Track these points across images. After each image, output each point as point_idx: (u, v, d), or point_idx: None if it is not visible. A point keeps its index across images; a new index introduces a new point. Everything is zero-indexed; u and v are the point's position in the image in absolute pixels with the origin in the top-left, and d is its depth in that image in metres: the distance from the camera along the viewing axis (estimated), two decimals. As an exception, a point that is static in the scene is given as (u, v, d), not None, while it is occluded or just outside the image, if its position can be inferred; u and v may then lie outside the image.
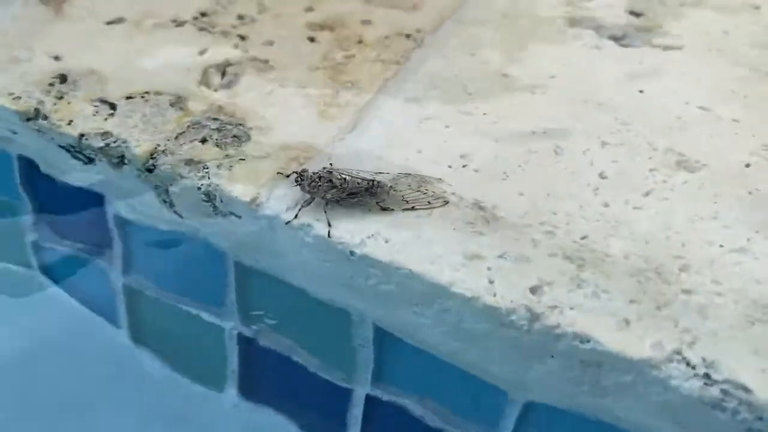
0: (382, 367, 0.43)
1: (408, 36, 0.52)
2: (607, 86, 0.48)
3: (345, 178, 0.40)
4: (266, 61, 0.50)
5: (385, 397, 0.44)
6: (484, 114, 0.46)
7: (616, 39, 0.52)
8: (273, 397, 0.49)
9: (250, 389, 0.49)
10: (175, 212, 0.43)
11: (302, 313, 0.44)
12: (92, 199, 0.48)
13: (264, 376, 0.49)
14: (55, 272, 0.54)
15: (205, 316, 0.48)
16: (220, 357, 0.48)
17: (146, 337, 0.51)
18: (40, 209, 0.53)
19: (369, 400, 0.44)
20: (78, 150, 0.46)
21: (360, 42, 0.52)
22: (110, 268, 0.50)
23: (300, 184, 0.40)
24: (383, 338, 0.41)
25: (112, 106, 0.46)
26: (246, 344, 0.48)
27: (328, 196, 0.40)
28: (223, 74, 0.49)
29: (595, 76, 0.49)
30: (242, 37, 0.53)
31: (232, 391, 0.49)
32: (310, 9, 0.55)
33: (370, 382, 0.44)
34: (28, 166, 0.50)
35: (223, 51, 0.51)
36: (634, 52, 0.51)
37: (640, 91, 0.48)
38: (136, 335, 0.52)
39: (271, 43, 0.52)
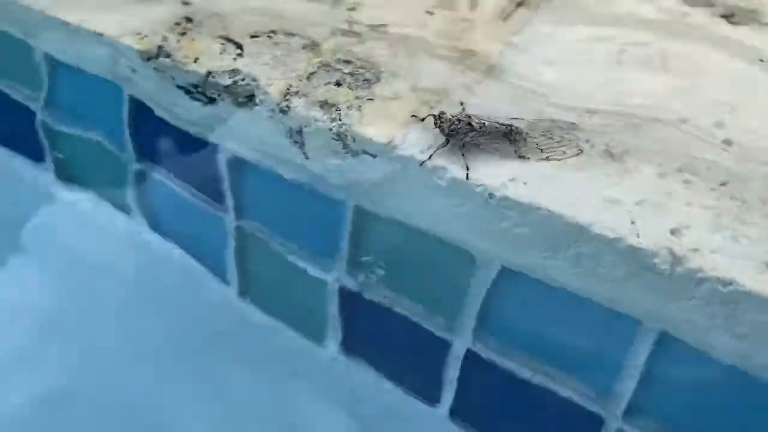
0: (491, 312, 0.43)
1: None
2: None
3: (484, 123, 0.41)
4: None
5: (486, 355, 0.45)
6: (608, 75, 0.47)
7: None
8: (371, 351, 0.50)
9: (350, 343, 0.50)
10: (303, 153, 0.44)
11: (418, 257, 0.44)
12: (203, 142, 0.49)
13: (365, 330, 0.50)
14: (159, 220, 0.56)
15: (311, 268, 0.49)
16: (322, 309, 0.49)
17: (253, 290, 0.53)
18: (146, 153, 0.54)
19: (469, 355, 0.45)
20: (201, 90, 0.47)
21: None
22: (224, 212, 0.51)
23: (440, 126, 0.40)
24: (501, 279, 0.42)
25: (239, 45, 0.47)
26: (349, 298, 0.49)
27: (467, 138, 0.40)
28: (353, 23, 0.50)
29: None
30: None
31: (332, 345, 0.51)
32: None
33: (474, 330, 0.44)
34: (139, 108, 0.52)
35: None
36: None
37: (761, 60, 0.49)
38: (243, 288, 0.53)
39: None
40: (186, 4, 0.52)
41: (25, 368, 0.51)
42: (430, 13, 0.52)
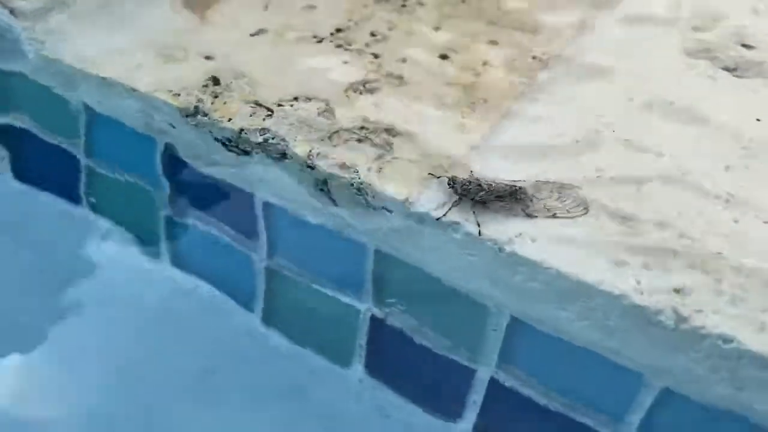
0: (510, 350, 0.46)
1: (534, 57, 0.56)
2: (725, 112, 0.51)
3: (491, 184, 0.44)
4: (401, 77, 0.54)
5: (508, 382, 0.47)
6: (614, 131, 0.49)
7: (729, 70, 0.56)
8: (395, 374, 0.52)
9: (374, 366, 0.53)
10: (331, 199, 0.47)
11: (436, 300, 0.47)
12: (237, 189, 0.52)
13: (389, 355, 0.52)
14: (186, 257, 0.59)
15: (342, 297, 0.51)
16: (351, 337, 0.52)
17: (278, 319, 0.55)
18: (178, 198, 0.57)
19: (492, 382, 0.47)
20: (235, 144, 0.50)
21: (485, 64, 0.56)
22: (254, 251, 0.54)
23: (453, 187, 0.44)
24: (514, 325, 0.44)
25: (268, 109, 0.51)
26: (375, 324, 0.51)
27: (477, 198, 0.43)
28: (365, 86, 0.53)
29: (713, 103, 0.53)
30: (376, 55, 0.57)
31: (358, 368, 0.53)
32: (437, 28, 0.59)
33: (496, 364, 0.47)
34: (172, 157, 0.55)
35: (361, 64, 0.55)
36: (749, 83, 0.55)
37: (758, 120, 0.51)
38: (268, 317, 0.56)
39: (404, 60, 0.56)
40: (209, 59, 0.56)
41: (49, 396, 0.54)
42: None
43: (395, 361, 0.51)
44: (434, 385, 0.50)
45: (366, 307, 0.51)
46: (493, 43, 0.58)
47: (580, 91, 0.54)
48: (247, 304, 0.57)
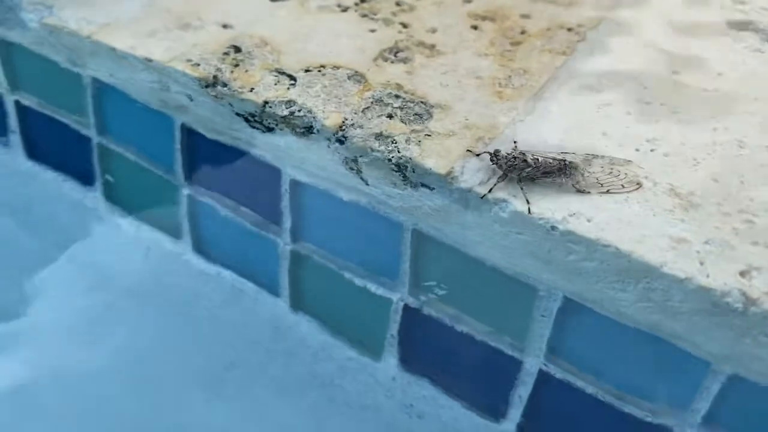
0: (560, 337, 0.43)
1: (570, 29, 0.53)
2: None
3: (537, 158, 0.41)
4: (433, 46, 0.51)
5: (558, 374, 0.44)
6: (662, 104, 0.47)
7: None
8: (431, 367, 0.49)
9: (409, 359, 0.50)
10: (362, 179, 0.44)
11: (478, 283, 0.44)
12: (263, 166, 0.49)
13: (425, 346, 0.49)
14: (207, 242, 0.56)
15: (371, 284, 0.48)
16: (383, 326, 0.49)
17: (306, 304, 0.52)
18: (199, 178, 0.54)
19: (540, 373, 0.44)
20: (258, 119, 0.46)
21: (523, 32, 0.53)
22: (278, 234, 0.51)
23: (496, 163, 0.41)
24: (566, 309, 0.42)
25: (292, 77, 0.47)
26: (410, 315, 0.48)
27: (524, 174, 0.40)
28: (396, 54, 0.50)
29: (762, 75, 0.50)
30: (404, 25, 0.54)
31: (390, 361, 0.50)
32: (468, 0, 0.56)
33: (544, 354, 0.44)
34: (190, 135, 0.52)
35: (390, 33, 0.52)
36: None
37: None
38: (295, 302, 0.52)
39: (434, 30, 0.53)
40: (226, 27, 0.52)
41: (67, 383, 0.51)
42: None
43: (431, 353, 0.48)
44: (475, 377, 0.47)
45: (398, 296, 0.48)
46: (526, 15, 0.55)
47: (623, 61, 0.51)
48: (274, 293, 0.53)
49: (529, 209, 0.39)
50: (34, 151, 0.63)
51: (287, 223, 0.50)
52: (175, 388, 0.50)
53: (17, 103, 0.61)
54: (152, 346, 0.52)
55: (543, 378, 0.44)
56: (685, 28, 0.55)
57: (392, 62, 0.49)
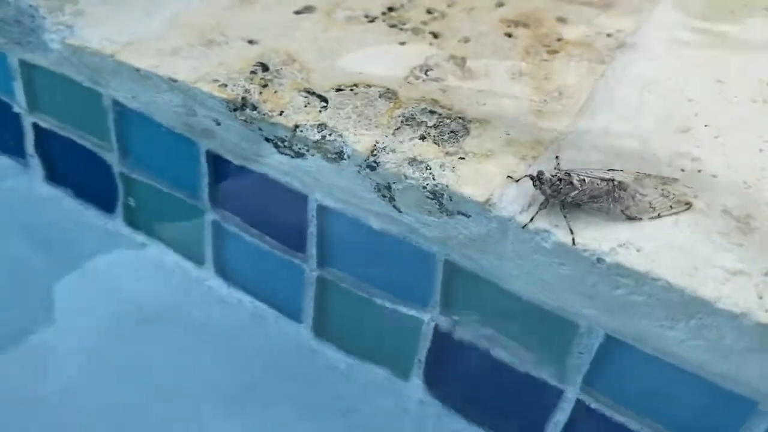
0: (597, 372, 0.41)
1: (609, 35, 0.51)
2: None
3: (584, 179, 0.38)
4: (464, 59, 0.49)
5: (594, 405, 0.42)
6: (706, 125, 0.44)
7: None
8: (460, 392, 0.48)
9: (436, 384, 0.48)
10: (395, 207, 0.42)
11: (513, 317, 0.42)
12: (290, 191, 0.48)
13: (454, 371, 0.48)
14: (230, 267, 0.55)
15: (403, 309, 0.47)
16: (411, 350, 0.48)
17: (330, 331, 0.51)
18: (224, 203, 0.52)
19: (578, 403, 0.43)
20: (288, 145, 0.45)
21: (560, 39, 0.50)
22: (304, 260, 0.49)
23: (540, 188, 0.38)
24: (607, 346, 0.40)
25: (322, 98, 0.46)
26: (440, 338, 0.47)
27: (569, 199, 0.38)
28: (426, 73, 0.48)
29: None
30: (435, 35, 0.52)
31: (417, 385, 0.49)
32: (500, 4, 0.54)
33: (580, 385, 0.42)
34: (216, 160, 0.50)
35: (420, 46, 0.50)
36: None
37: None
38: (319, 329, 0.51)
39: (466, 40, 0.51)
40: (252, 43, 0.51)
41: (86, 405, 0.50)
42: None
43: (461, 378, 0.47)
44: (508, 407, 0.46)
45: (429, 317, 0.46)
46: (562, 20, 0.52)
47: (666, 71, 0.48)
48: (296, 318, 0.52)
49: (573, 240, 0.37)
50: (53, 175, 0.62)
51: (313, 249, 0.49)
52: (193, 405, 0.49)
53: (35, 125, 0.60)
54: (171, 366, 0.51)
55: (580, 407, 0.43)
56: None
57: (423, 81, 0.47)
